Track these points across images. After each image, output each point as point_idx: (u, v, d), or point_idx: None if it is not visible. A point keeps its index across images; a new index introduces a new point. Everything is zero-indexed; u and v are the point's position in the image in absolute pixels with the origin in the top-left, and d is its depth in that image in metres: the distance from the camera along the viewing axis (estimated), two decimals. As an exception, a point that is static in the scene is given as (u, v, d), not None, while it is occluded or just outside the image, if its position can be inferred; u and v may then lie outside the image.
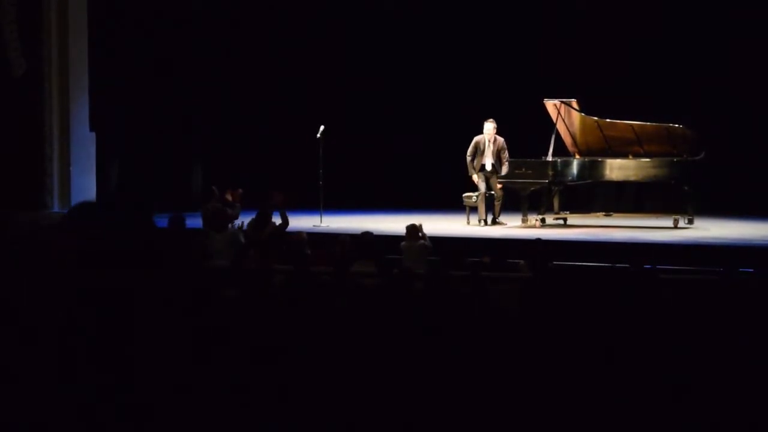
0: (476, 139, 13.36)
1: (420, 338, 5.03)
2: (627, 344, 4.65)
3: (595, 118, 13.30)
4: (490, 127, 13.33)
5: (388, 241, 10.16)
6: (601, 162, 13.07)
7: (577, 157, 13.43)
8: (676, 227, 12.80)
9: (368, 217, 13.95)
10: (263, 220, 10.29)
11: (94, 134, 14.31)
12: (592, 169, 13.07)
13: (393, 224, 11.84)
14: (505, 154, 13.29)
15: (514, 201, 13.34)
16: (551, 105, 13.36)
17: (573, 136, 13.56)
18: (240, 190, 11.33)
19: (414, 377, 4.52)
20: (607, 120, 13.27)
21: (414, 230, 10.04)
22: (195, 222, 11.06)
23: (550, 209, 13.40)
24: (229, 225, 10.39)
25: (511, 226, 13.19)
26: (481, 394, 4.34)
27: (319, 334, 5.04)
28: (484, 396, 4.33)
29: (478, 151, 13.34)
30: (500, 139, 13.34)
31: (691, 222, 12.87)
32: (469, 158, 13.35)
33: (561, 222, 13.40)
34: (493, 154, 13.28)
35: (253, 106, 16.78)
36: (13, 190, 13.34)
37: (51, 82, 13.92)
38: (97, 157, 14.42)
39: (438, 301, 6.39)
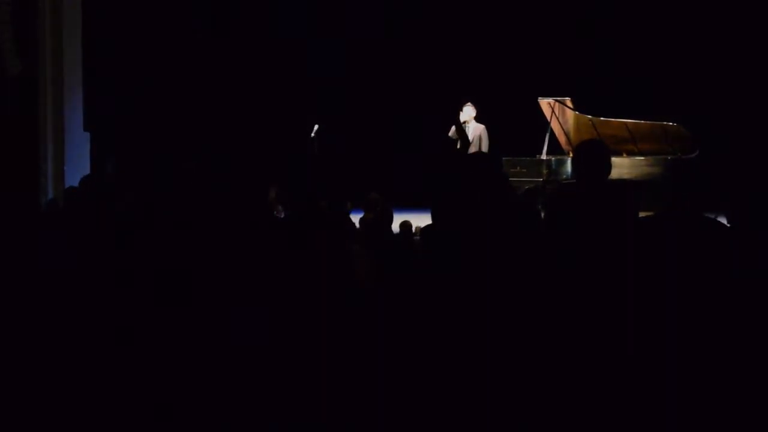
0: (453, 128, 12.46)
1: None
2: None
3: (590, 116, 13.34)
4: (467, 111, 12.35)
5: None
6: (596, 160, 13.07)
7: (572, 155, 13.47)
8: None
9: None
10: None
11: (88, 134, 14.29)
12: (586, 167, 13.06)
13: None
14: (484, 146, 12.17)
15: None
16: (545, 103, 13.39)
17: (567, 135, 13.60)
18: None
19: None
20: (602, 118, 13.32)
21: (406, 228, 10.13)
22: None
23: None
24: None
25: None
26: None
27: None
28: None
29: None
30: (480, 126, 12.35)
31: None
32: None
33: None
34: (471, 144, 12.28)
35: (250, 105, 16.77)
36: (7, 189, 13.31)
37: (46, 81, 13.89)
38: (92, 157, 14.40)
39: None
